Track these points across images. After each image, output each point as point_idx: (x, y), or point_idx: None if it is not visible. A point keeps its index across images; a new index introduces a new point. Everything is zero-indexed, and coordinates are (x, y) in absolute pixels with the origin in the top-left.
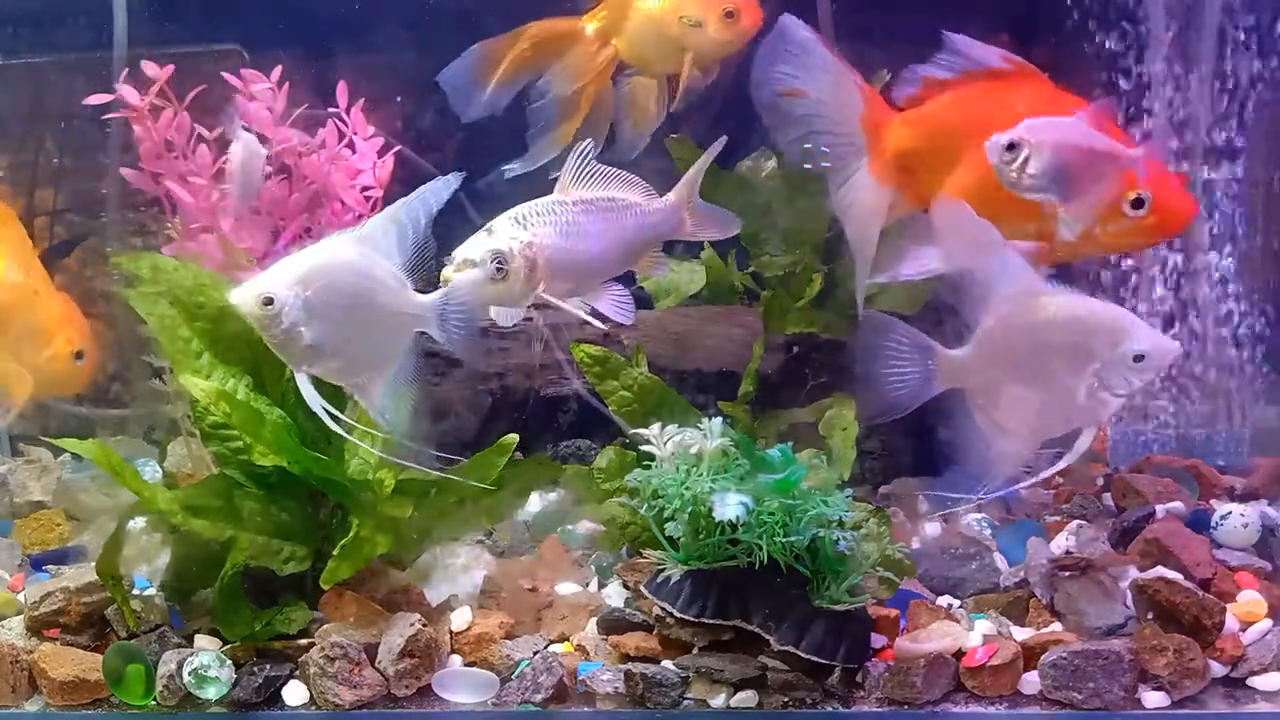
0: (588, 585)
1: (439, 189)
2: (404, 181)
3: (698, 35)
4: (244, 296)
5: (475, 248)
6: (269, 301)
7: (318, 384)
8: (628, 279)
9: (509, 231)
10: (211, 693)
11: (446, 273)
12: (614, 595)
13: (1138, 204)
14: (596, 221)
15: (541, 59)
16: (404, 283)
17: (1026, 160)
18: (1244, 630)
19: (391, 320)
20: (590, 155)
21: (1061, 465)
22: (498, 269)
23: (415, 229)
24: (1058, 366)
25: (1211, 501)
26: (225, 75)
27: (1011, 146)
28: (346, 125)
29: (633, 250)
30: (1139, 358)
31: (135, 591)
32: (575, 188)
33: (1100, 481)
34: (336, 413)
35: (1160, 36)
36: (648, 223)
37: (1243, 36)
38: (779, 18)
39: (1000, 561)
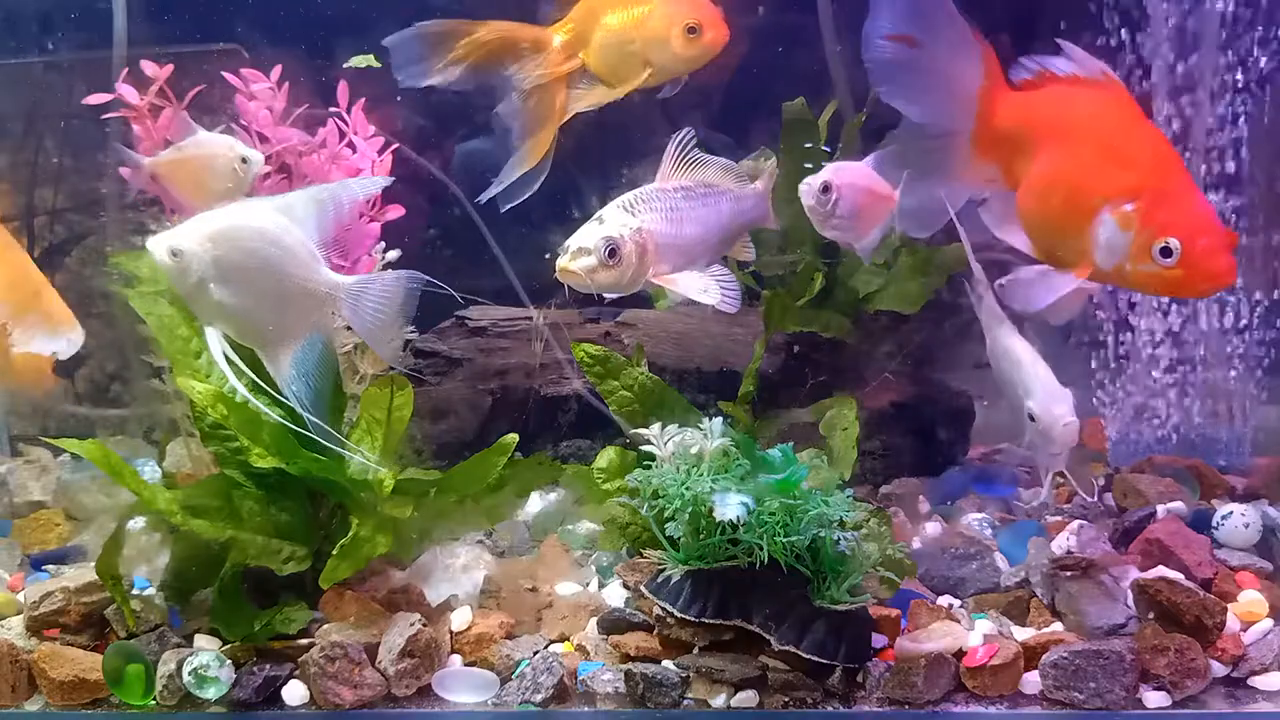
0: (588, 585)
1: (366, 184)
2: (404, 180)
3: (661, 51)
4: (156, 246)
5: (589, 236)
6: (177, 253)
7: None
8: None
9: (619, 219)
10: (211, 693)
11: (561, 261)
12: (614, 595)
13: (1165, 253)
14: (696, 207)
15: (500, 56)
16: (317, 258)
17: (836, 203)
18: (1245, 630)
19: (300, 292)
20: (690, 144)
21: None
22: (610, 254)
23: (338, 213)
24: (1007, 397)
25: (1213, 501)
26: (225, 74)
27: (826, 189)
28: (347, 124)
29: (729, 236)
30: (1031, 417)
31: (135, 591)
32: (676, 175)
33: (1101, 481)
34: (247, 370)
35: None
36: (741, 209)
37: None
38: None
39: (1001, 561)
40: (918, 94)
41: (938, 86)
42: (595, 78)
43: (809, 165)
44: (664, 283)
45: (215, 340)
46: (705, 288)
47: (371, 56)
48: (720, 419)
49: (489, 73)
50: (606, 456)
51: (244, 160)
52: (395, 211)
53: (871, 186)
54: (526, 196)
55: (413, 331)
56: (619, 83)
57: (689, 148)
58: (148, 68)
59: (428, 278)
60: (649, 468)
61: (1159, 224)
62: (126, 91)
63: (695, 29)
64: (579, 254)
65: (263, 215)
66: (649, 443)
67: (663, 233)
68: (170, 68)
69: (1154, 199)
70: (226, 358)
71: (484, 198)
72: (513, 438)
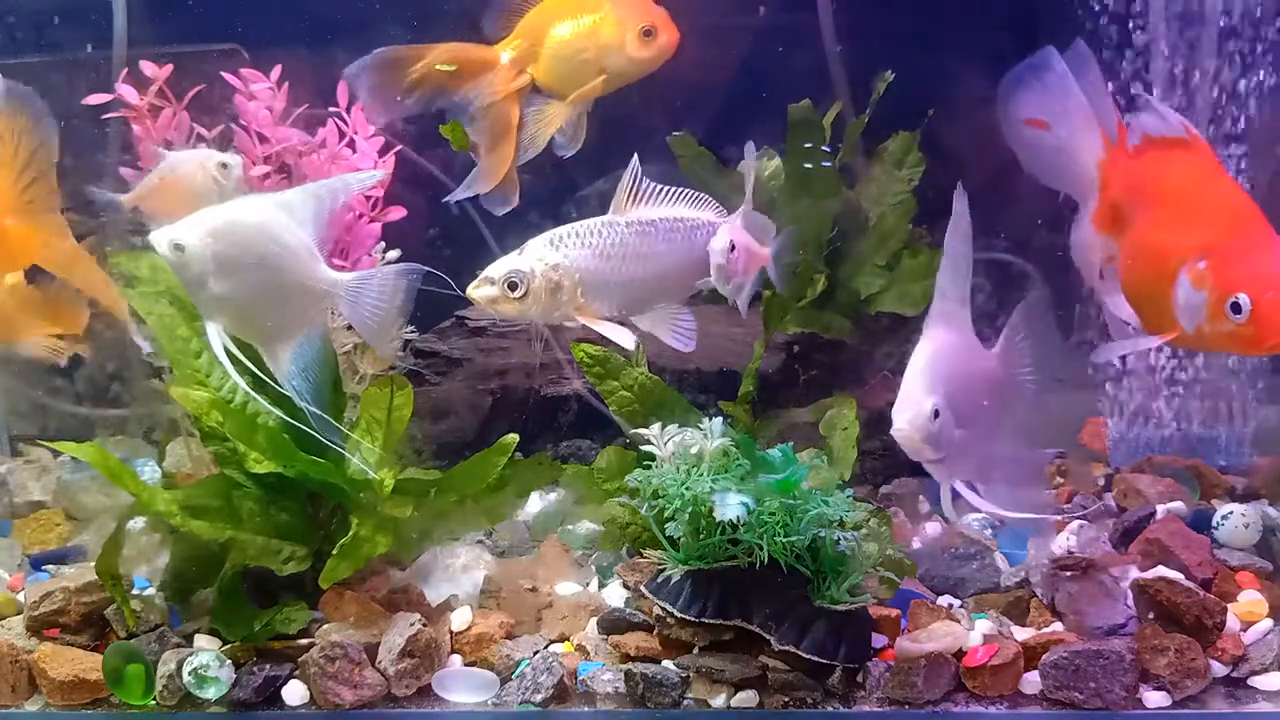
0: (588, 585)
1: (362, 179)
2: (404, 181)
3: (616, 56)
4: (159, 239)
5: (498, 266)
6: (180, 248)
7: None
8: None
9: (538, 253)
10: (211, 693)
11: (470, 290)
12: (614, 595)
13: (1236, 309)
14: (657, 242)
15: (451, 80)
16: (316, 255)
17: (738, 259)
18: (1245, 630)
19: (299, 288)
20: (639, 173)
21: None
22: (510, 287)
23: (334, 208)
24: None
25: (1213, 501)
26: (225, 74)
27: (733, 247)
28: (347, 124)
29: (706, 269)
30: None
31: (135, 591)
32: (636, 208)
33: (1101, 481)
34: (248, 363)
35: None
36: None
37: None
38: (1042, 49)
39: (1001, 561)
40: (1052, 176)
41: (1065, 168)
42: (547, 94)
43: (808, 165)
44: (587, 323)
45: (215, 335)
46: (622, 333)
47: None
48: (720, 419)
49: (445, 95)
50: (606, 456)
51: (224, 165)
52: (397, 212)
53: (749, 245)
54: (509, 209)
55: (413, 332)
56: (572, 94)
57: (639, 179)
58: (147, 68)
59: (426, 268)
60: (649, 468)
61: (1229, 280)
62: (126, 92)
63: (650, 31)
64: (483, 283)
65: (264, 212)
66: (649, 443)
67: (594, 270)
68: (170, 68)
69: (1225, 255)
70: (228, 353)
71: (448, 199)
72: (513, 438)
